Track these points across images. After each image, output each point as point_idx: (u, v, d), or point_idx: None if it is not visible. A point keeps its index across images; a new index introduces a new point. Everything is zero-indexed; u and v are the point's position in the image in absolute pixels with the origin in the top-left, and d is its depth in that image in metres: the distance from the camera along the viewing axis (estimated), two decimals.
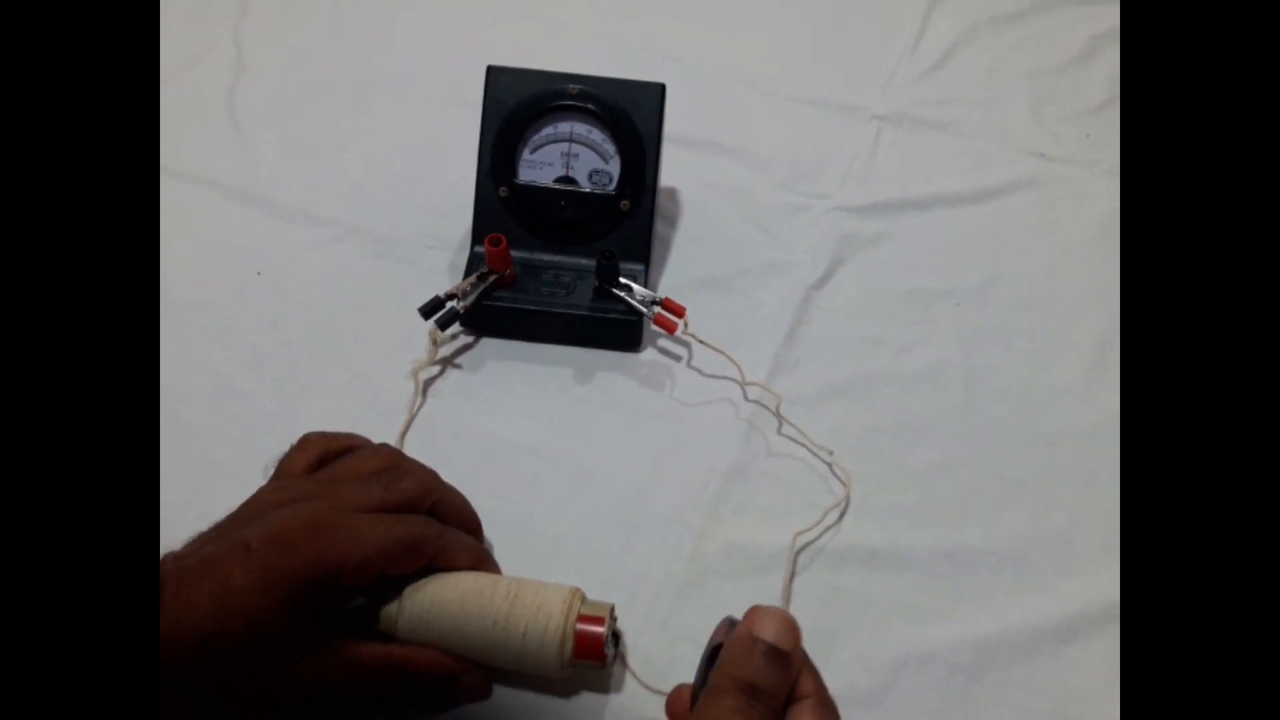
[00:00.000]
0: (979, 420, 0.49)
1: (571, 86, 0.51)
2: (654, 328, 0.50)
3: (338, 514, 0.34)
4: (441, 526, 0.36)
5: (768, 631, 0.29)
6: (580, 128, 0.52)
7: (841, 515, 0.45)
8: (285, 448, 0.41)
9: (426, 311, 0.49)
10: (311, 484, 0.36)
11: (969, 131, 0.66)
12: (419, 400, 0.49)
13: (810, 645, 0.31)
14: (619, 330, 0.51)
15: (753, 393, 0.50)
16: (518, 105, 0.52)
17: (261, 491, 0.36)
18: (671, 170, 0.60)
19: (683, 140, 0.62)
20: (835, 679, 0.31)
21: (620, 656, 0.39)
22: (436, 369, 0.51)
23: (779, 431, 0.49)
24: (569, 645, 0.36)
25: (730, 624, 0.31)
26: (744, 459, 0.47)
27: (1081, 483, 0.47)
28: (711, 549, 0.44)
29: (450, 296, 0.49)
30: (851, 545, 0.44)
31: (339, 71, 0.69)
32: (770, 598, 0.42)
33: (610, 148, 0.52)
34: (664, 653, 0.40)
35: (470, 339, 0.52)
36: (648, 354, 0.52)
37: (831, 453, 0.47)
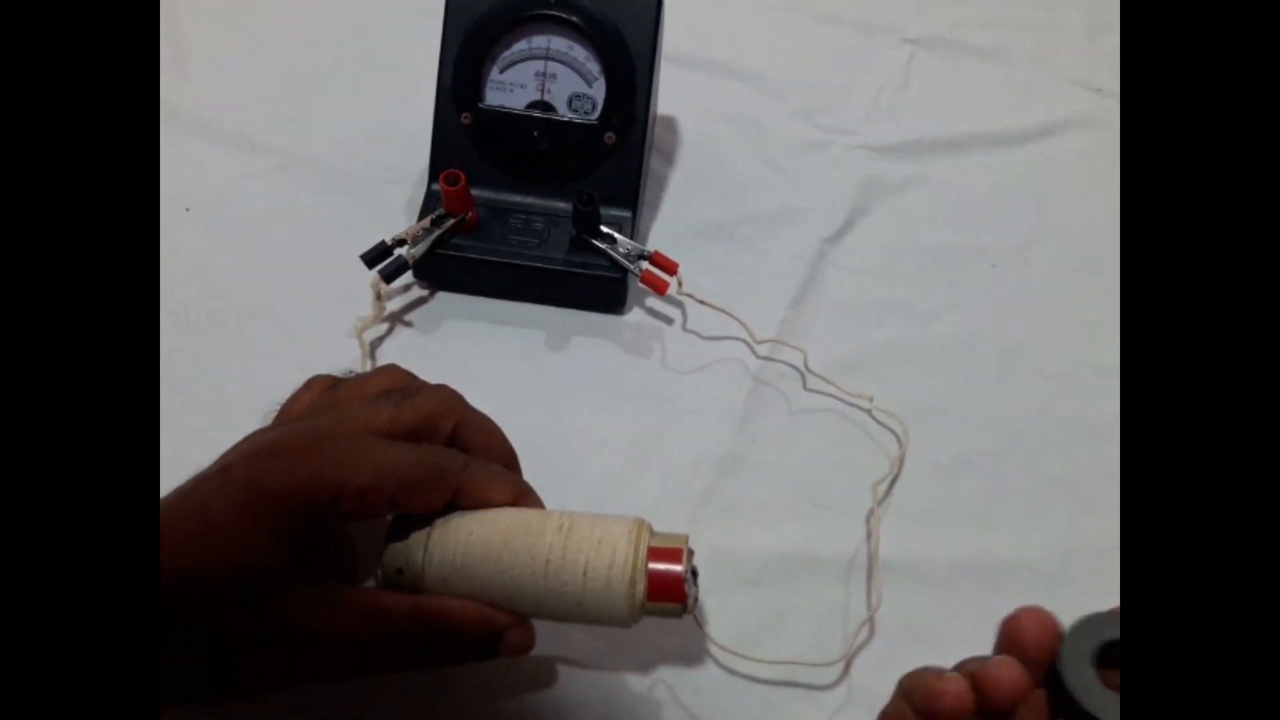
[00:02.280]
0: (1013, 404, 0.43)
1: None
2: (641, 286, 0.43)
3: (341, 428, 0.28)
4: (468, 457, 0.30)
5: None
6: (559, 43, 0.43)
7: (900, 468, 0.40)
8: (204, 421, 0.34)
9: (370, 260, 0.42)
10: (309, 411, 0.31)
11: (1015, 60, 0.57)
12: (368, 364, 0.42)
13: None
14: (599, 289, 0.44)
15: (763, 352, 0.43)
16: (485, 15, 0.43)
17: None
18: (669, 96, 0.52)
19: (684, 60, 0.54)
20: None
21: (698, 602, 0.32)
22: (383, 328, 0.44)
23: (805, 387, 0.43)
24: (641, 585, 0.29)
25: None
26: (740, 446, 0.41)
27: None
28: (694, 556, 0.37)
29: (399, 243, 0.42)
30: (858, 554, 0.38)
31: None
32: (760, 618, 0.36)
33: (594, 68, 0.43)
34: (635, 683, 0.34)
35: (425, 293, 0.45)
36: (633, 316, 0.45)
37: (871, 399, 0.41)
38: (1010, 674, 0.25)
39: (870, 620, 0.36)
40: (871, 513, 0.38)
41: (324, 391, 0.32)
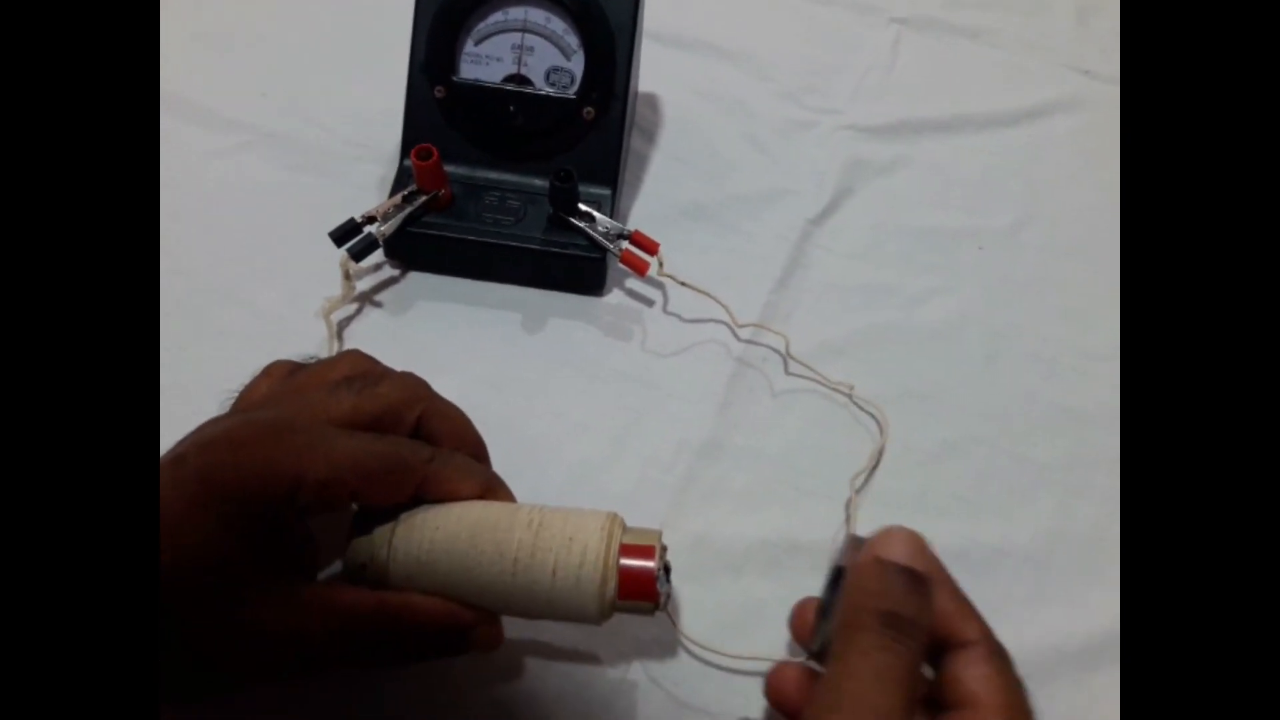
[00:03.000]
0: (1001, 389, 0.42)
1: None
2: (621, 267, 0.42)
3: (300, 416, 0.27)
4: (433, 448, 0.29)
5: (898, 553, 0.24)
6: (537, 15, 0.42)
7: (879, 459, 0.39)
8: (168, 406, 0.32)
9: (339, 237, 0.40)
10: (268, 398, 0.30)
11: (1004, 41, 0.56)
12: (335, 346, 0.41)
13: None
14: (577, 269, 0.42)
15: (744, 336, 0.42)
16: None
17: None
18: (652, 73, 0.50)
19: (668, 37, 0.53)
20: None
21: (673, 598, 0.32)
22: (354, 309, 0.42)
23: (786, 371, 0.41)
24: (612, 584, 0.28)
25: (856, 543, 0.26)
26: (722, 430, 0.39)
27: (1121, 469, 0.39)
28: (675, 544, 0.36)
29: (369, 220, 0.40)
30: (840, 540, 0.37)
31: None
32: (742, 605, 0.35)
33: (573, 41, 0.42)
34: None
35: (397, 272, 0.44)
36: (613, 297, 0.44)
37: (852, 388, 0.40)
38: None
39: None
40: (850, 501, 0.37)
41: (284, 378, 0.30)
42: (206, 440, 0.26)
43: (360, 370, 0.30)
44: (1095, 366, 0.42)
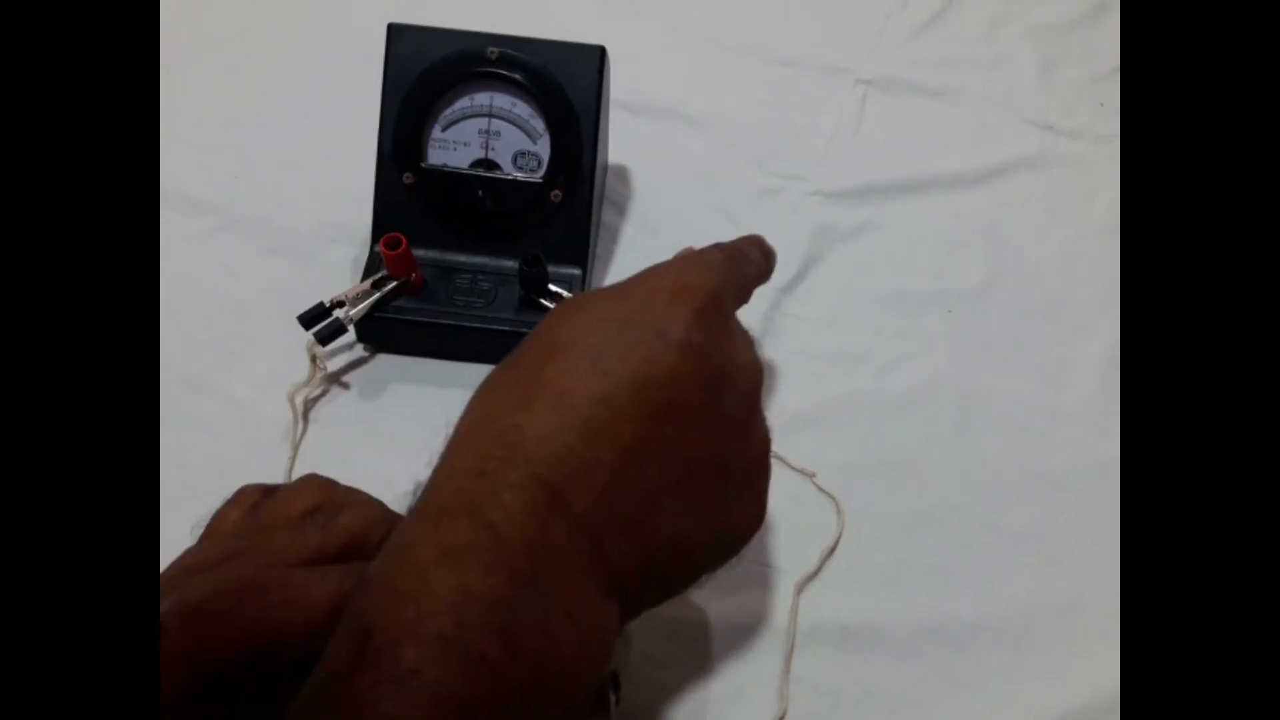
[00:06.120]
0: (973, 456, 0.42)
1: (491, 50, 0.42)
2: None
3: (271, 571, 0.28)
4: None
5: None
6: (502, 100, 0.42)
7: (834, 549, 0.39)
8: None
9: (307, 321, 0.40)
10: (237, 539, 0.30)
11: (968, 99, 0.57)
12: (300, 428, 0.41)
13: None
14: None
15: None
16: (425, 72, 0.42)
17: (181, 557, 0.30)
18: (621, 144, 0.51)
19: (635, 107, 0.54)
20: None
21: (621, 701, 0.33)
22: (324, 392, 0.42)
23: None
24: None
25: None
26: None
27: (1093, 534, 0.39)
28: (649, 629, 0.36)
29: (337, 304, 0.41)
30: (815, 620, 0.37)
31: (230, 24, 0.58)
32: (721, 694, 0.35)
33: (539, 125, 0.43)
34: None
35: (368, 354, 0.44)
36: None
37: (814, 475, 0.40)
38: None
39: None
40: (793, 609, 0.37)
41: (250, 509, 0.31)
42: (187, 610, 0.26)
43: (321, 499, 0.31)
44: (1066, 428, 0.43)
